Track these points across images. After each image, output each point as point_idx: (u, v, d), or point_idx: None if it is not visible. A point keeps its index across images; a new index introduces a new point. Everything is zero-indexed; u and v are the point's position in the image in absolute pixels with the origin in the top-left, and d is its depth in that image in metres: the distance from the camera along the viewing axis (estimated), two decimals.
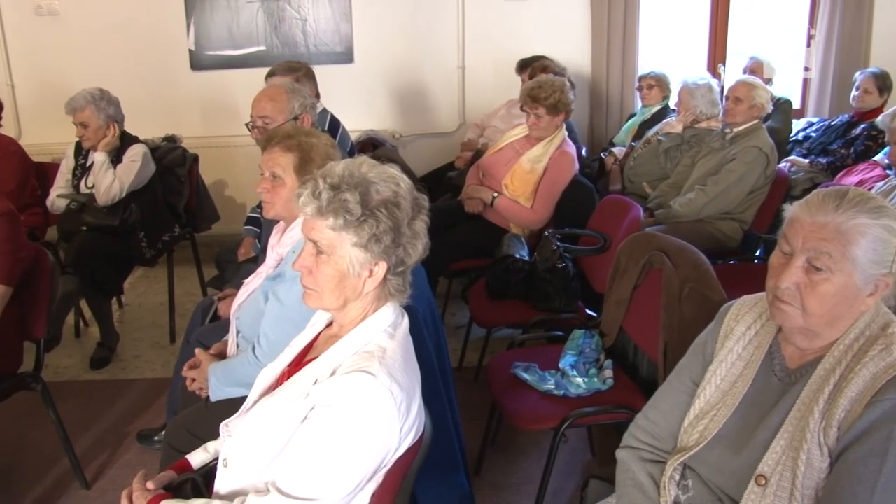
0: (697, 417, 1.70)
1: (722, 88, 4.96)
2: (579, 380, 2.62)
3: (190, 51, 5.78)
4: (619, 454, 1.86)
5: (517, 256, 3.48)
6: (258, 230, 3.70)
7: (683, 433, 1.72)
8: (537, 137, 3.95)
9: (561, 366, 2.69)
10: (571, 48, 5.63)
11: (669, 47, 6.04)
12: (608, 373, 2.66)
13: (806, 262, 1.50)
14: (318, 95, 4.02)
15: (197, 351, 2.54)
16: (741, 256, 4.03)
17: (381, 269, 1.59)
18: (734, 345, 1.71)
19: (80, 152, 4.28)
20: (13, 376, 2.87)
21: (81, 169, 4.26)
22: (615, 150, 5.15)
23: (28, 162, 4.58)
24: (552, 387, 2.63)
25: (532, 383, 2.66)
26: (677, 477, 1.71)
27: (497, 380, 2.76)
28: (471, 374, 3.82)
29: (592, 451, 3.17)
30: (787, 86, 5.74)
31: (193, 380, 2.49)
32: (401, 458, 1.58)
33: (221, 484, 1.68)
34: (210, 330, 2.92)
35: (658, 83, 5.26)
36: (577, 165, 3.98)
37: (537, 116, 3.89)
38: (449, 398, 2.42)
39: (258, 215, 3.77)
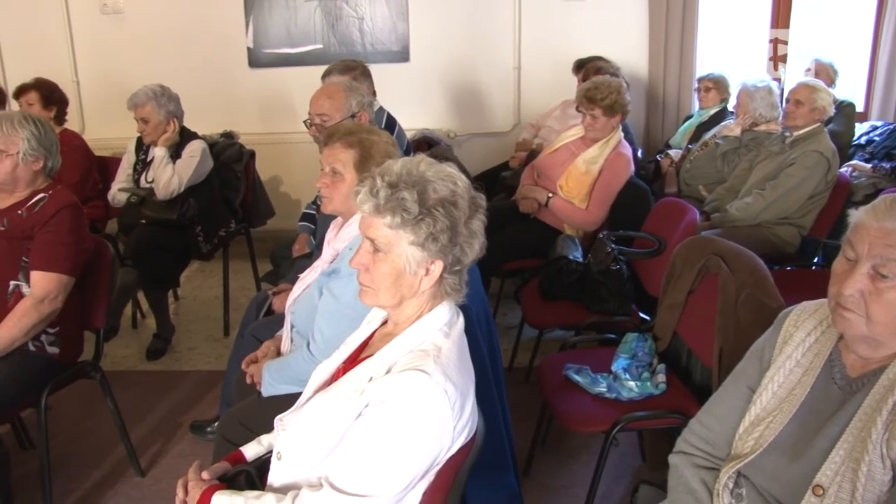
0: (753, 424, 1.67)
1: (782, 91, 4.87)
2: (632, 383, 2.59)
3: (248, 48, 5.87)
4: (672, 459, 1.84)
5: (571, 258, 3.46)
6: (313, 227, 3.73)
7: (738, 440, 1.69)
8: (593, 139, 3.92)
9: (613, 369, 2.67)
10: (628, 49, 5.58)
11: (729, 48, 5.95)
12: (661, 377, 2.63)
13: (871, 269, 1.47)
14: (374, 94, 4.05)
15: (263, 346, 2.58)
16: (799, 262, 3.96)
17: (437, 267, 1.60)
18: (793, 351, 1.68)
19: (141, 147, 4.37)
20: (74, 364, 2.94)
21: (142, 164, 4.34)
22: (671, 152, 5.09)
23: (91, 156, 4.70)
24: (604, 389, 2.61)
25: (584, 385, 2.65)
26: (731, 484, 1.68)
27: (549, 381, 2.75)
28: (521, 374, 3.81)
29: (643, 456, 3.14)
30: (850, 89, 5.60)
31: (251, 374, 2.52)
32: (453, 456, 1.58)
33: (275, 477, 1.70)
34: (264, 324, 2.95)
35: (716, 85, 5.19)
36: (632, 167, 3.94)
37: (593, 117, 3.87)
38: (501, 398, 2.41)
39: (313, 212, 3.80)
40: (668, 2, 5.44)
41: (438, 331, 1.62)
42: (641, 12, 5.58)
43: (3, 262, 2.70)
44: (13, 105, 4.88)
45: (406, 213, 1.54)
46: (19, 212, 2.76)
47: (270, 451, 1.84)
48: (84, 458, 3.30)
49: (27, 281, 2.70)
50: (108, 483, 3.13)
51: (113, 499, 3.02)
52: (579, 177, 3.87)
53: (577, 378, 2.68)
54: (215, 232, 4.39)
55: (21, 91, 4.68)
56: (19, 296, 2.69)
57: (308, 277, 2.55)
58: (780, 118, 4.28)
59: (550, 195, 3.94)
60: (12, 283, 2.70)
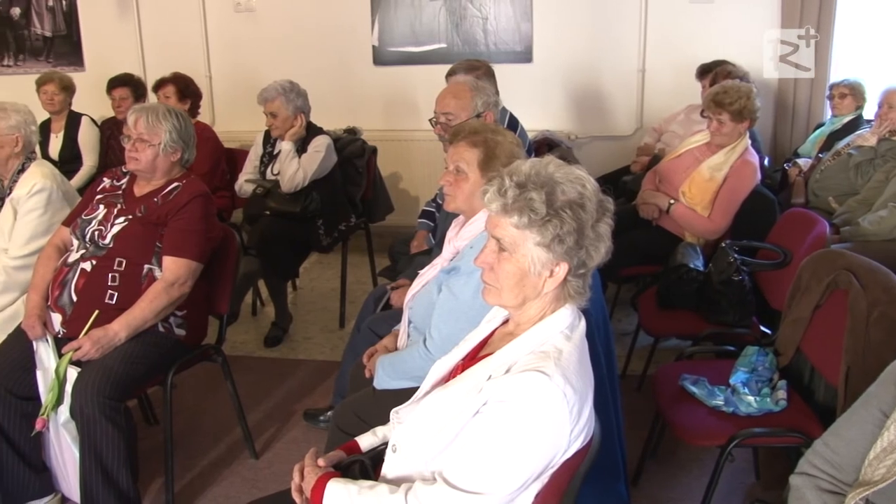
0: (885, 451, 1.59)
1: None
2: (751, 398, 2.52)
3: (373, 46, 5.97)
4: (795, 480, 1.78)
5: (691, 266, 3.39)
6: (432, 224, 3.77)
7: (868, 466, 1.62)
8: (719, 144, 3.82)
9: (732, 382, 2.60)
10: (757, 52, 5.41)
11: (867, 53, 5.67)
12: (781, 394, 2.54)
13: None
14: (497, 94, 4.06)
15: (382, 340, 2.63)
16: None
17: (562, 269, 1.59)
18: None
19: (269, 141, 4.50)
20: (198, 347, 3.05)
21: (269, 156, 4.48)
22: (800, 161, 4.90)
23: (220, 148, 4.88)
24: (721, 403, 2.54)
25: (700, 397, 2.59)
26: None
27: (664, 391, 2.70)
28: (634, 382, 3.75)
29: (757, 474, 3.04)
30: None
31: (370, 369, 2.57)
32: (568, 460, 1.57)
33: (389, 468, 1.72)
34: (381, 318, 3.00)
35: (852, 91, 4.95)
36: (759, 175, 3.82)
37: (720, 122, 3.77)
38: (615, 406, 2.39)
39: (432, 209, 3.84)
40: (802, 3, 5.24)
41: (560, 333, 1.61)
42: (773, 14, 5.39)
43: (139, 247, 2.82)
44: (152, 97, 5.12)
45: (533, 213, 1.54)
46: (155, 199, 2.88)
47: (385, 443, 1.87)
48: (203, 436, 3.43)
49: (160, 265, 2.81)
50: (225, 462, 3.24)
51: (228, 478, 3.13)
52: (703, 183, 3.78)
53: (694, 389, 2.62)
54: (336, 225, 4.48)
55: (160, 84, 4.91)
56: (152, 279, 2.80)
57: (428, 274, 2.58)
58: None
59: (672, 201, 3.86)
60: (146, 266, 2.81)
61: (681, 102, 5.21)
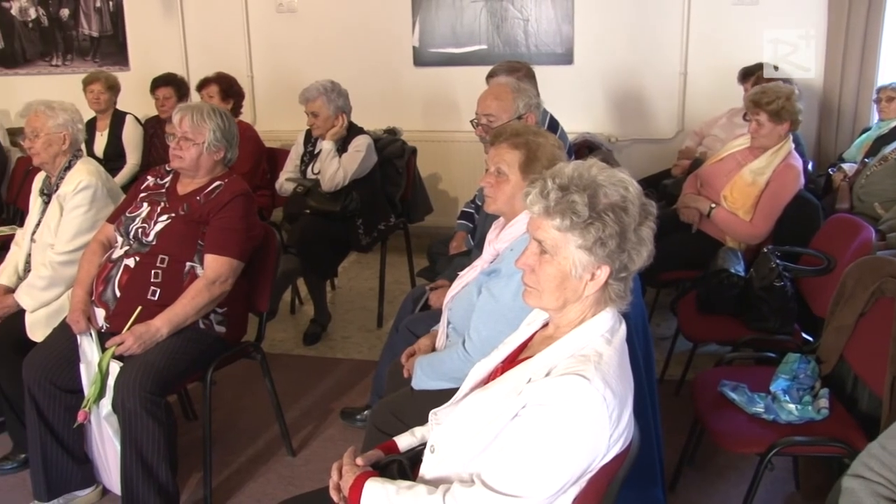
0: None
1: None
2: (792, 406, 2.48)
3: (414, 47, 5.99)
4: (850, 483, 1.73)
5: (732, 271, 3.35)
6: (471, 225, 3.77)
7: None
8: (759, 146, 3.78)
9: (772, 389, 2.56)
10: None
11: None
12: (823, 402, 2.50)
13: None
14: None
15: (420, 340, 2.64)
16: None
17: (603, 273, 1.58)
18: None
19: (309, 140, 4.53)
20: (238, 344, 3.07)
21: (309, 156, 4.51)
22: (845, 166, 4.83)
23: (262, 147, 4.93)
24: (761, 410, 2.51)
25: (740, 404, 2.56)
26: None
27: (703, 397, 2.68)
28: (672, 387, 3.72)
29: (797, 483, 3.01)
30: None
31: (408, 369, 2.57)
32: (606, 465, 1.57)
33: (427, 469, 1.73)
34: (420, 319, 3.00)
35: None
36: (802, 180, 3.77)
37: (758, 123, 3.72)
38: (653, 410, 2.37)
39: (472, 210, 3.84)
40: (850, 4, 5.15)
41: (600, 337, 1.61)
42: (819, 15, 5.31)
43: (181, 244, 2.85)
44: (195, 97, 5.19)
45: (575, 216, 1.54)
46: (198, 198, 2.92)
47: (423, 444, 1.88)
48: (241, 433, 3.46)
49: (201, 263, 2.84)
50: (262, 459, 3.27)
51: (265, 475, 3.16)
52: (745, 188, 3.74)
53: (733, 396, 2.59)
54: (375, 225, 4.50)
55: (203, 84, 4.97)
56: (193, 276, 2.83)
57: (467, 276, 2.58)
58: None
59: (713, 205, 3.82)
60: (188, 263, 2.84)
61: (723, 106, 5.16)
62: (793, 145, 3.83)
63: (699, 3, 5.47)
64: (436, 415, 1.82)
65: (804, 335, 3.22)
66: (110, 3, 6.56)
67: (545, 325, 1.76)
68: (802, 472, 2.97)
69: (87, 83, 5.47)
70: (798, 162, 3.78)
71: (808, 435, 2.41)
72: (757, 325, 3.21)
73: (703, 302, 3.40)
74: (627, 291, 1.65)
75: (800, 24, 5.34)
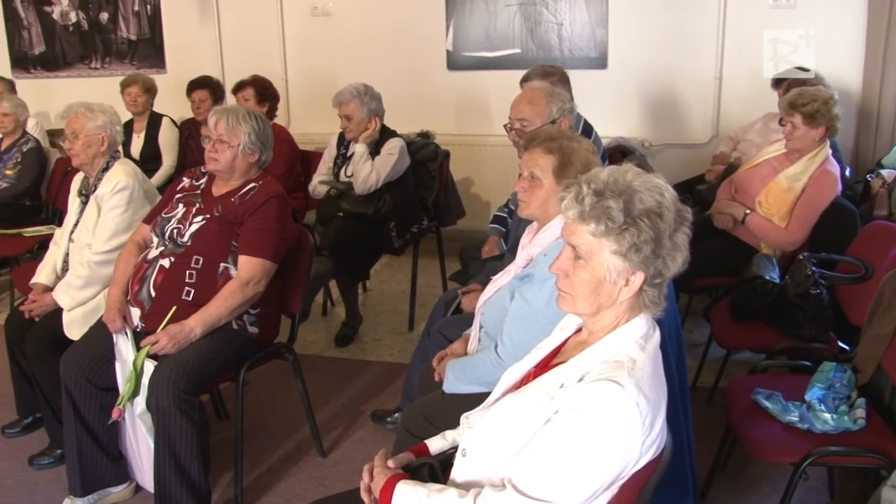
0: None
1: None
2: (827, 415, 2.45)
3: (447, 51, 6.00)
4: (890, 494, 1.71)
5: (767, 278, 3.31)
6: (504, 229, 3.76)
7: None
8: (795, 151, 3.73)
9: (807, 398, 2.53)
10: (840, 60, 5.26)
11: None
12: (860, 412, 2.46)
13: None
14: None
15: (453, 344, 2.64)
16: None
17: (637, 278, 1.58)
18: None
19: (342, 143, 4.55)
20: (270, 345, 3.10)
21: (342, 158, 4.53)
22: (884, 172, 4.75)
23: (296, 150, 4.96)
24: (796, 419, 2.48)
25: (774, 413, 2.53)
26: None
27: (736, 405, 2.65)
28: (704, 394, 3.69)
29: (831, 495, 2.96)
30: None
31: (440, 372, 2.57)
32: (639, 472, 1.56)
33: (458, 472, 1.73)
34: (452, 322, 3.00)
35: None
36: (839, 186, 3.71)
37: (793, 126, 3.66)
38: (685, 418, 2.35)
39: (504, 214, 3.84)
40: (891, 7, 5.06)
41: (634, 343, 1.60)
42: (858, 18, 5.23)
43: (216, 245, 2.88)
44: (230, 99, 5.24)
45: (610, 221, 1.53)
46: (232, 199, 2.94)
47: (454, 447, 1.87)
48: (272, 433, 3.48)
49: (235, 264, 2.87)
50: (293, 460, 3.29)
51: (295, 475, 3.17)
52: (780, 194, 3.70)
53: (767, 404, 2.56)
54: (407, 228, 4.51)
55: (239, 87, 5.02)
56: (227, 277, 2.86)
57: (500, 280, 2.58)
58: None
59: (748, 211, 3.78)
60: (222, 264, 2.87)
61: (758, 111, 5.10)
62: (830, 151, 3.77)
63: (735, 5, 5.41)
64: (468, 418, 1.82)
65: (840, 344, 3.17)
66: (148, 6, 6.64)
67: (578, 331, 1.76)
68: (837, 483, 2.93)
69: (124, 86, 5.56)
70: (835, 168, 3.73)
71: (843, 445, 2.37)
72: (792, 333, 3.17)
73: (737, 309, 3.36)
74: (662, 298, 1.64)
75: (838, 27, 5.27)
